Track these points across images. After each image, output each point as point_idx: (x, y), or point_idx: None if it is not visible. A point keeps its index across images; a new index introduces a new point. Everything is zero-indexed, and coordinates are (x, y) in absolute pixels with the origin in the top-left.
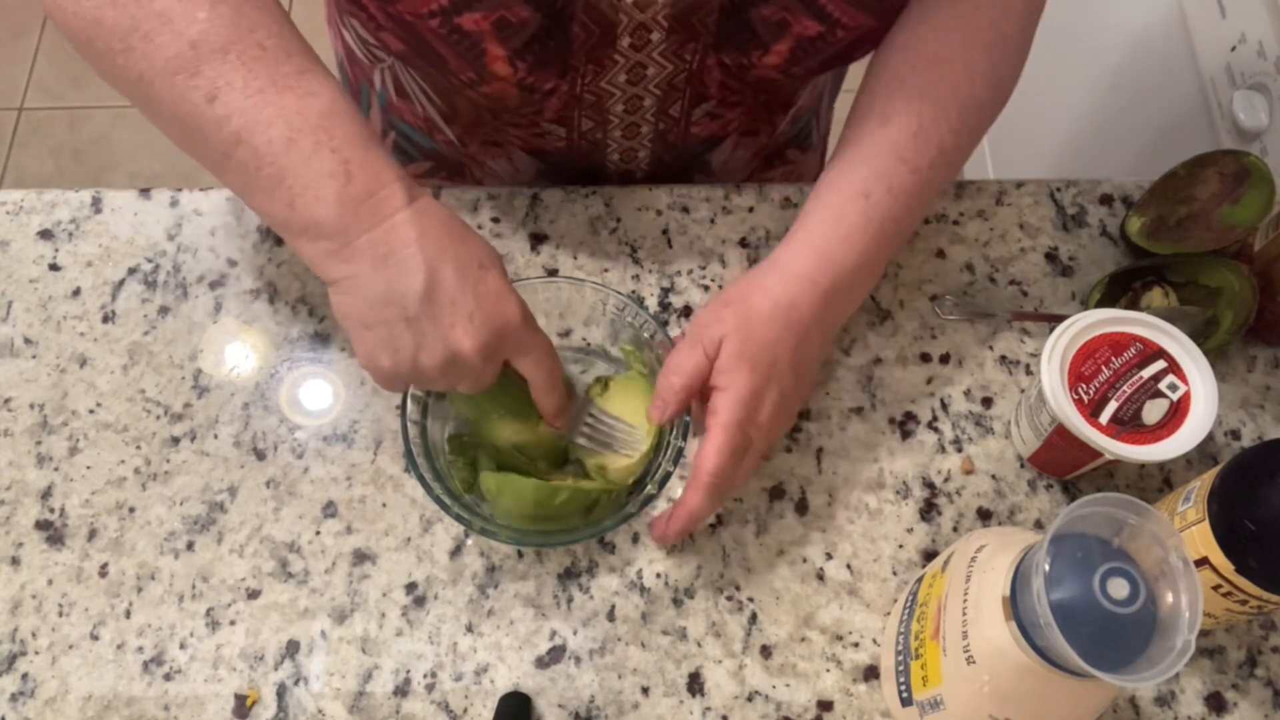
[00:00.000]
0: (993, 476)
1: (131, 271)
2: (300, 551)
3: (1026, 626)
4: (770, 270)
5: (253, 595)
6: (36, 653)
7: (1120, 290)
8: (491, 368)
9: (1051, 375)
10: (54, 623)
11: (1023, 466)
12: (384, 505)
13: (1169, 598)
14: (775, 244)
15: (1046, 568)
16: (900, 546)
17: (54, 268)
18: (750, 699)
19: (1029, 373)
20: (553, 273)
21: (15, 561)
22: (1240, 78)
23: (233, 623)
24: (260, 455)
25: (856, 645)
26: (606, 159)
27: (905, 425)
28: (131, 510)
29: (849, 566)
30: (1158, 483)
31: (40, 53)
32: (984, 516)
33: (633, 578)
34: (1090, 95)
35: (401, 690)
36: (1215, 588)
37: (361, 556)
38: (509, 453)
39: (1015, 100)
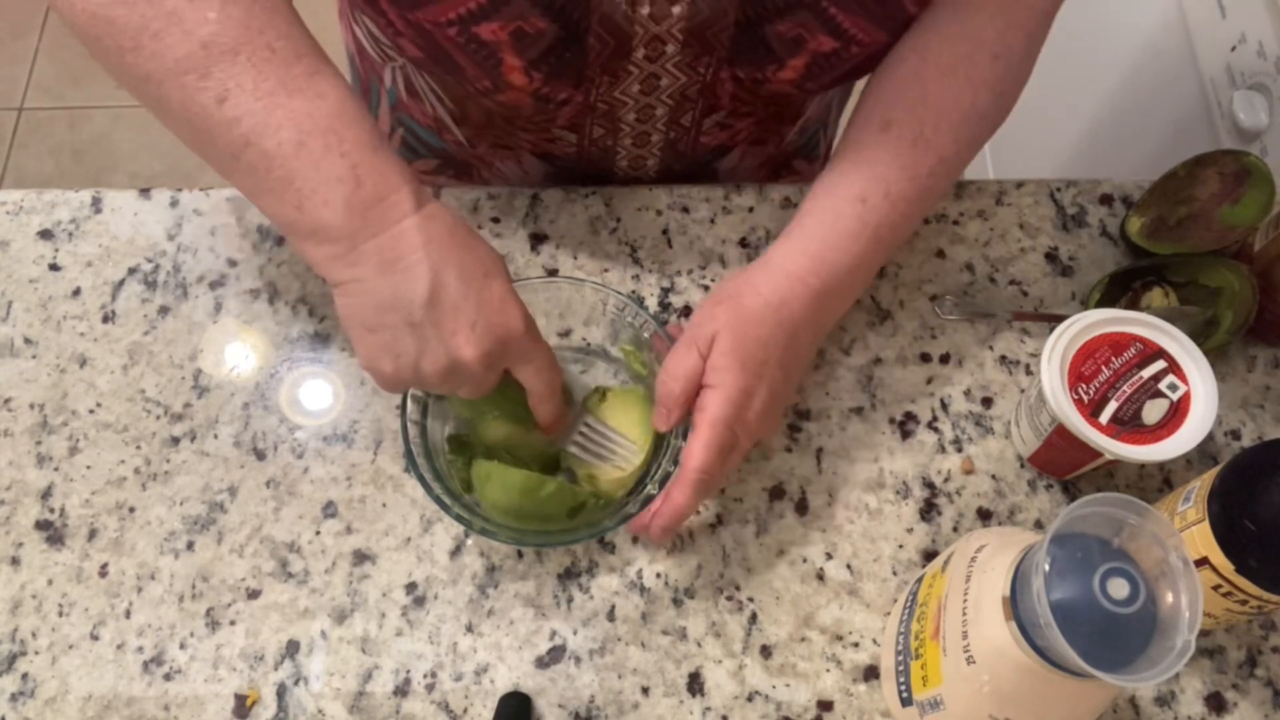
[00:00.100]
0: (993, 476)
1: (131, 271)
2: (300, 551)
3: (1026, 626)
4: (763, 269)
5: (253, 595)
6: (36, 653)
7: (1120, 290)
8: (492, 375)
9: (1051, 375)
10: (54, 623)
11: (1023, 466)
12: (384, 505)
13: (1169, 598)
14: None
15: (1046, 568)
16: (900, 546)
17: (54, 268)
18: (750, 699)
19: (1029, 373)
20: (553, 273)
21: (15, 561)
22: (1240, 78)
23: (233, 623)
24: (260, 455)
25: (856, 645)
26: (615, 165)
27: (905, 425)
28: (131, 510)
29: (849, 566)
30: (1158, 483)
31: (40, 53)
32: (984, 516)
33: (633, 578)
34: (1090, 95)
35: (401, 690)
36: (1215, 588)
37: (361, 556)
38: (501, 454)
39: None
